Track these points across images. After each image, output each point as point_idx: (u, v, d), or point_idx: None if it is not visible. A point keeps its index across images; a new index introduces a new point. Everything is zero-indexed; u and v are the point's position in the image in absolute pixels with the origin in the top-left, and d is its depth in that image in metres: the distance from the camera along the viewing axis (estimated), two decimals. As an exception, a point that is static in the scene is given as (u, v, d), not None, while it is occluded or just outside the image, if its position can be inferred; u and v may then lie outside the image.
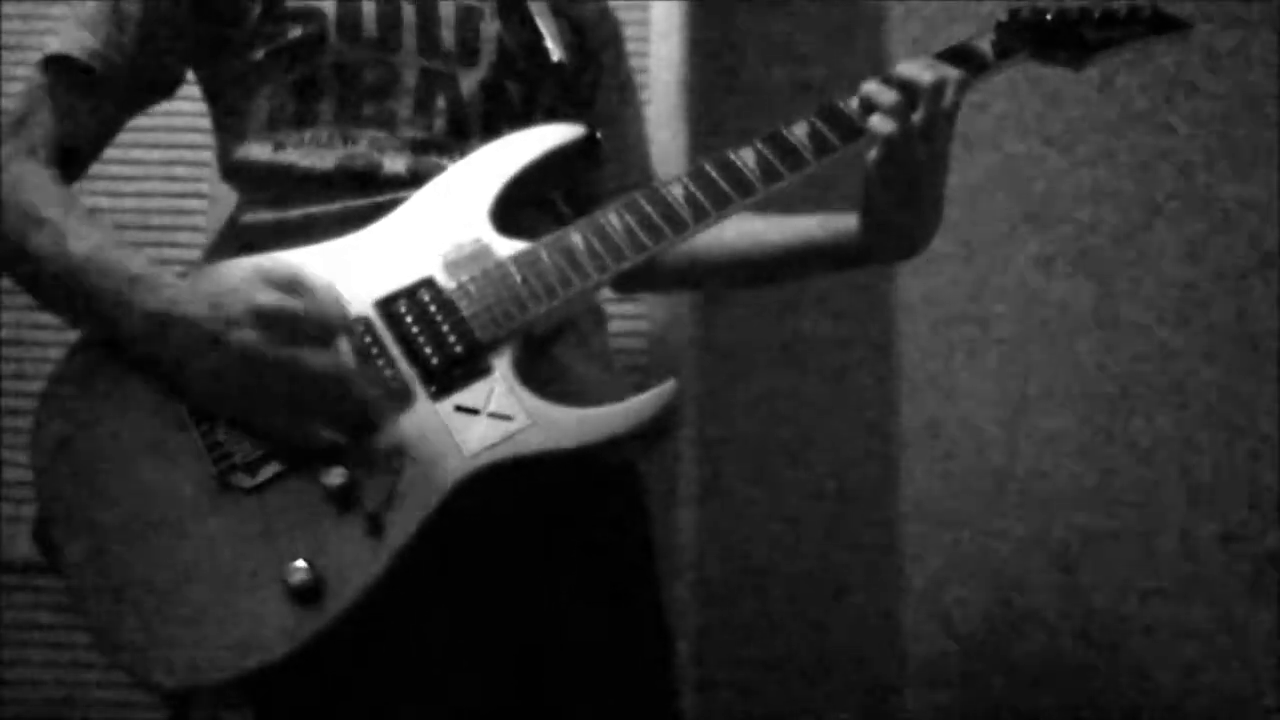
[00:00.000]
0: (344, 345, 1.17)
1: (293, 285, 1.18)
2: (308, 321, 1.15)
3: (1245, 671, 2.26)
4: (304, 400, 1.14)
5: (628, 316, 2.02)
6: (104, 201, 1.97)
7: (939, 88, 1.30)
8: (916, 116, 1.30)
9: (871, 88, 1.33)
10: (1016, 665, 2.28)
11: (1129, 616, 2.28)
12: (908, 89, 1.30)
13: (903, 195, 1.35)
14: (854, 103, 1.36)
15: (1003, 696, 2.27)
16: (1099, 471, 2.32)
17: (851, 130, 1.34)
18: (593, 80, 1.54)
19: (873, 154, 1.33)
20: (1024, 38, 1.43)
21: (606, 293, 1.85)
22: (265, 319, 1.14)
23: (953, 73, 1.32)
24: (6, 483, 1.95)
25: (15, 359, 1.98)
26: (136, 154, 2.00)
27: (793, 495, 2.33)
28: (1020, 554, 2.30)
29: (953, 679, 2.29)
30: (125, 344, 1.18)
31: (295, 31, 1.32)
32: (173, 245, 1.99)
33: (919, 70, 1.31)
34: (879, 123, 1.30)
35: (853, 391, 2.36)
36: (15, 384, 1.95)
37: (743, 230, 1.52)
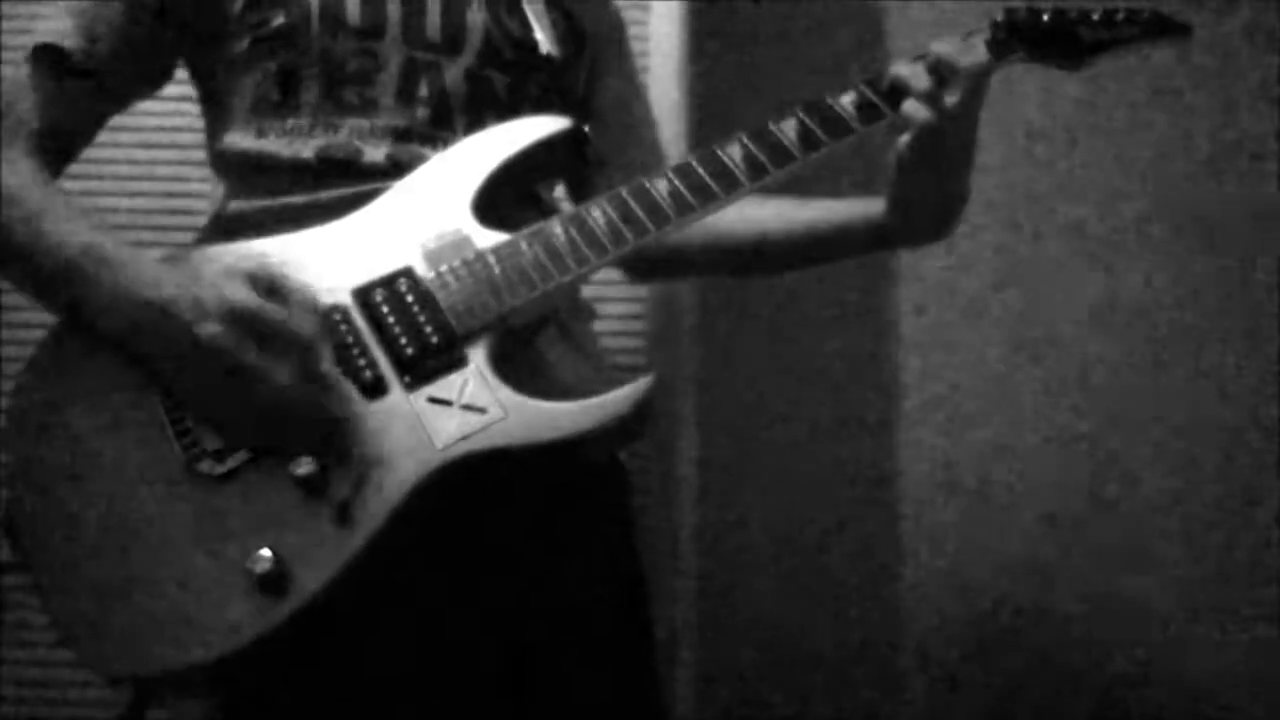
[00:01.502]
0: (325, 353, 1.16)
1: (273, 288, 1.17)
2: (279, 331, 1.13)
3: (1250, 667, 2.25)
4: (263, 405, 1.13)
5: (626, 316, 2.02)
6: (103, 202, 1.98)
7: (977, 72, 1.30)
8: (951, 101, 1.29)
9: (905, 70, 1.32)
10: (1018, 665, 2.27)
11: (1131, 616, 2.27)
12: (941, 71, 1.30)
13: (932, 178, 1.35)
14: (844, 99, 1.35)
15: (1003, 695, 2.26)
16: (1102, 469, 2.30)
17: (840, 127, 1.34)
18: (587, 72, 1.54)
19: (904, 138, 1.32)
20: (1019, 38, 1.41)
21: (602, 289, 1.86)
22: (236, 317, 1.13)
23: (984, 54, 1.33)
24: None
25: (15, 359, 1.99)
26: (136, 154, 2.01)
27: (793, 493, 2.32)
28: (1023, 552, 2.29)
29: (953, 676, 2.28)
30: (98, 325, 1.18)
31: (278, 19, 1.33)
32: (172, 246, 1.98)
33: (956, 53, 1.31)
34: (914, 109, 1.30)
35: (852, 389, 2.35)
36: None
37: (765, 213, 1.51)
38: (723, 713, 2.24)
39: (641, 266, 1.65)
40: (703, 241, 1.53)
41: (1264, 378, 2.30)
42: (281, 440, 1.13)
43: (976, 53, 1.33)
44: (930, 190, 1.37)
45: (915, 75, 1.31)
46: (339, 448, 1.14)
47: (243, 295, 1.14)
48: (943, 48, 1.32)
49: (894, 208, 1.40)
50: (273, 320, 1.13)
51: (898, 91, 1.33)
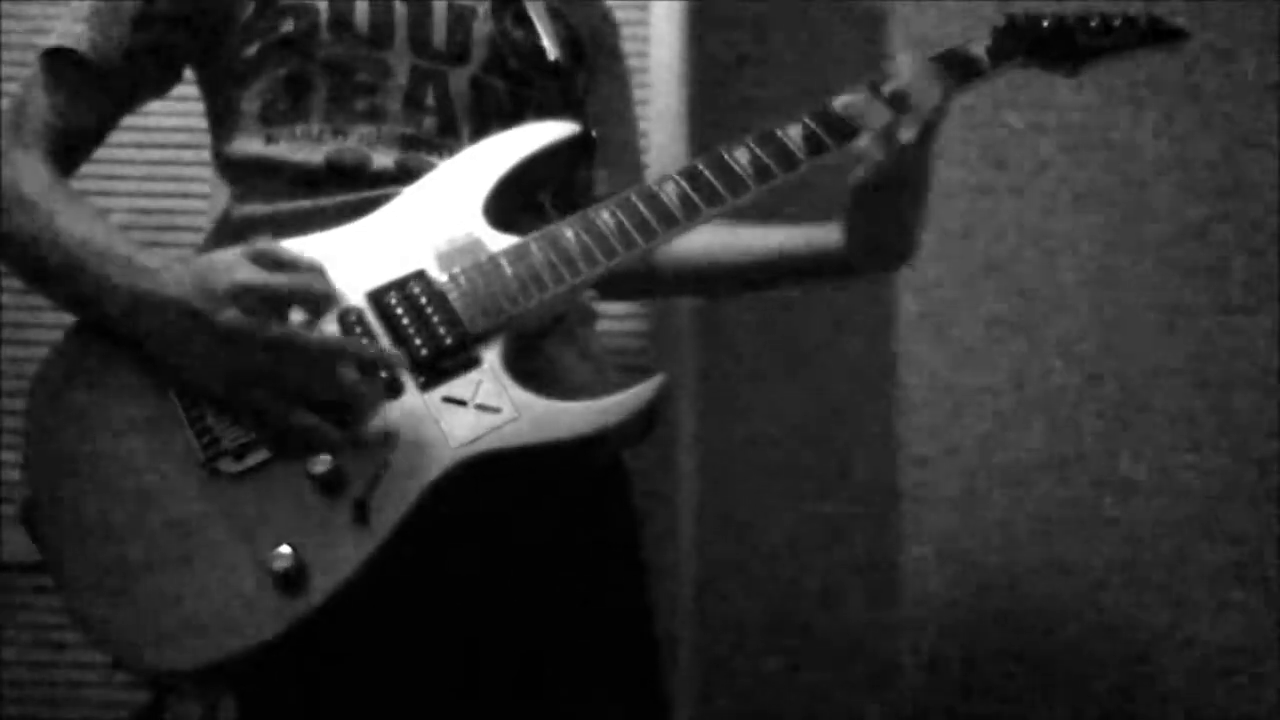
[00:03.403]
0: (331, 325, 1.17)
1: (279, 263, 1.19)
2: (292, 297, 1.16)
3: (1247, 664, 2.25)
4: (289, 379, 1.14)
5: (627, 316, 2.02)
6: (104, 201, 1.97)
7: (939, 108, 1.30)
8: (906, 134, 1.30)
9: (859, 103, 1.33)
10: (1016, 667, 2.27)
11: (1131, 615, 2.28)
12: (899, 103, 1.31)
13: (889, 209, 1.36)
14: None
15: (1001, 695, 2.26)
16: (1100, 470, 2.31)
17: (846, 132, 1.35)
18: (587, 80, 1.55)
19: (858, 170, 1.33)
20: (1019, 44, 1.43)
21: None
22: (250, 297, 1.14)
23: (943, 85, 1.33)
24: (6, 483, 1.95)
25: (14, 359, 1.99)
26: (137, 154, 2.01)
27: (793, 495, 2.32)
28: (1023, 554, 2.30)
29: (953, 678, 2.28)
30: (114, 326, 1.19)
31: (288, 27, 1.34)
32: (173, 245, 1.99)
33: (918, 85, 1.31)
34: (870, 147, 1.31)
35: (853, 390, 2.35)
36: (15, 384, 1.95)
37: (722, 239, 1.52)
38: (722, 712, 2.24)
39: (607, 284, 1.65)
40: (663, 263, 1.55)
41: (1264, 381, 2.31)
42: (303, 415, 1.14)
43: (933, 91, 1.32)
44: (885, 222, 1.38)
45: (872, 109, 1.32)
46: (356, 444, 1.14)
47: (249, 274, 1.16)
48: (901, 82, 1.32)
49: (850, 237, 1.41)
50: (281, 287, 1.16)
51: (898, 97, 1.33)
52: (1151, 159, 2.37)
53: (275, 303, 1.15)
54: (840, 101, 1.35)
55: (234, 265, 1.17)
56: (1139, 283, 2.35)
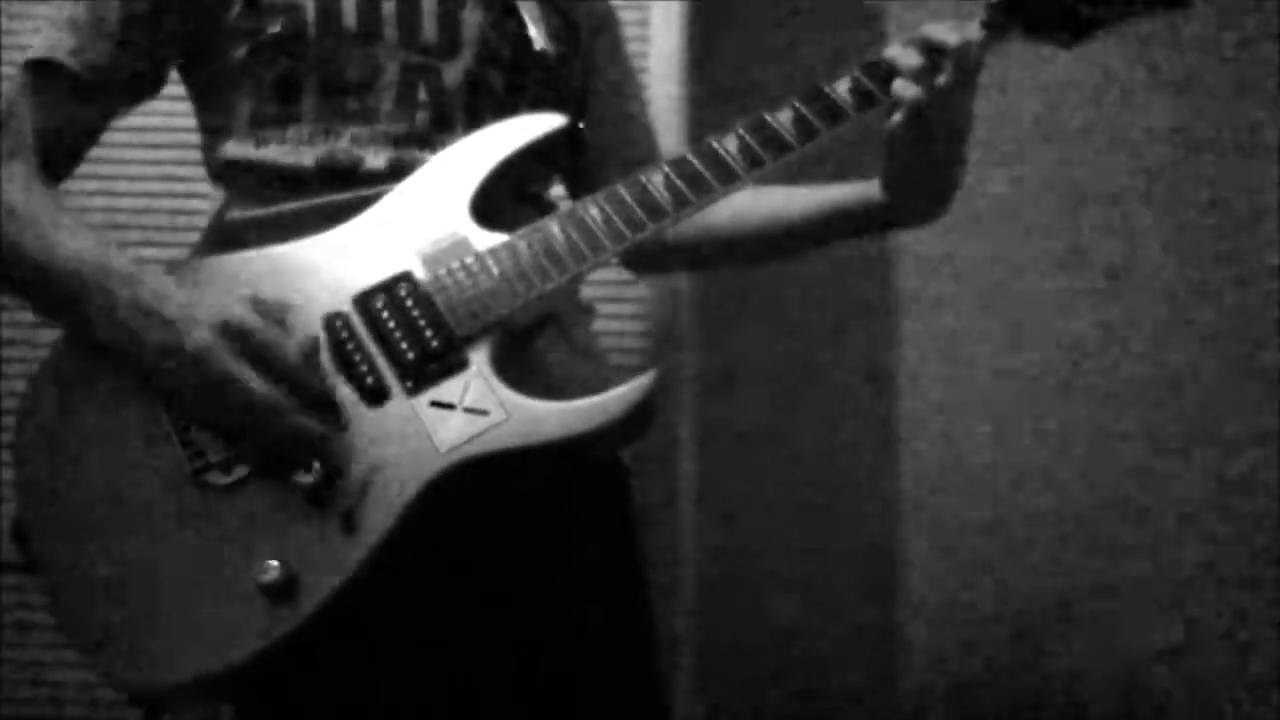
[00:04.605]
0: (313, 380, 1.16)
1: (274, 315, 1.18)
2: (269, 352, 1.14)
3: (1251, 671, 2.24)
4: (251, 419, 1.13)
5: (626, 316, 2.02)
6: (102, 202, 1.98)
7: (965, 50, 1.30)
8: (941, 79, 1.29)
9: (896, 52, 1.33)
10: (1016, 669, 2.27)
11: (1131, 615, 2.27)
12: (932, 51, 1.30)
13: (925, 157, 1.35)
14: (840, 86, 1.35)
15: (1003, 698, 2.26)
16: (1100, 470, 2.31)
17: (835, 114, 1.34)
18: (583, 69, 1.54)
19: (895, 118, 1.32)
20: (1015, 15, 1.40)
21: (602, 289, 1.86)
22: (230, 330, 1.13)
23: (976, 32, 1.32)
24: (6, 483, 1.95)
25: (14, 359, 1.99)
26: (136, 154, 2.01)
27: (793, 494, 2.32)
28: (1022, 556, 2.29)
29: (953, 679, 2.27)
30: (102, 340, 1.18)
31: (275, 27, 1.32)
32: (173, 246, 1.99)
33: (945, 32, 1.31)
34: (903, 88, 1.30)
35: (852, 390, 2.35)
36: (13, 384, 1.96)
37: (763, 203, 1.51)
38: (722, 713, 2.24)
39: (642, 261, 1.65)
40: (699, 233, 1.54)
41: (1264, 372, 2.30)
42: (273, 453, 1.14)
43: (966, 31, 1.32)
44: (923, 169, 1.37)
45: (904, 55, 1.32)
46: (341, 456, 1.14)
47: (239, 311, 1.15)
48: (932, 28, 1.32)
49: (888, 187, 1.41)
50: (265, 340, 1.14)
51: (893, 76, 1.33)
52: (1155, 158, 2.36)
53: (251, 351, 1.14)
54: (888, 53, 1.34)
55: (229, 298, 1.16)
56: (1142, 286, 2.35)
